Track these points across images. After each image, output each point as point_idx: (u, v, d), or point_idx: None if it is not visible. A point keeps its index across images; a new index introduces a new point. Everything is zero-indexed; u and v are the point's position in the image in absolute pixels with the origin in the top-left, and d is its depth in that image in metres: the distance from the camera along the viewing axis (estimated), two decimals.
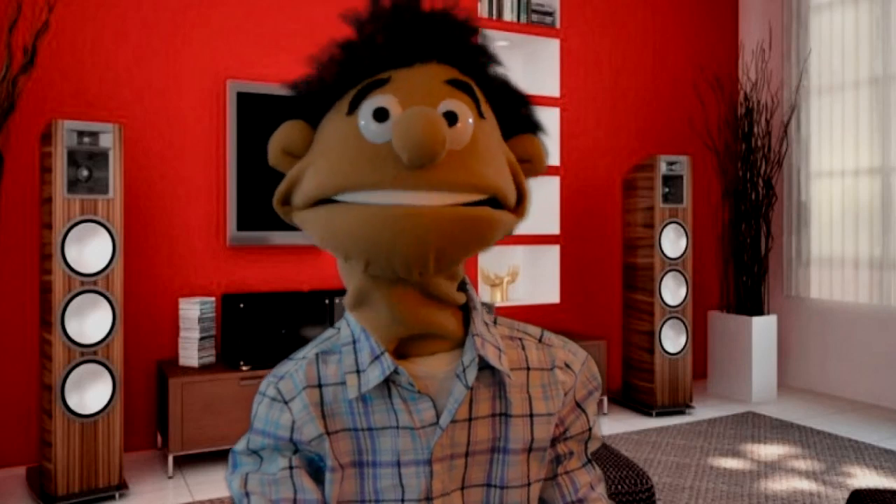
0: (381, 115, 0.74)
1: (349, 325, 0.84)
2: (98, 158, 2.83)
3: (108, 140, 2.83)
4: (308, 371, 0.82)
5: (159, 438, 3.42)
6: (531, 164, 0.85)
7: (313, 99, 0.82)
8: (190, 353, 3.27)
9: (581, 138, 4.59)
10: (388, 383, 0.80)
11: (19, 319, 3.20)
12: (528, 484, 0.85)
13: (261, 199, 3.58)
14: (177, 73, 3.52)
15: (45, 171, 2.84)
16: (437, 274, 0.79)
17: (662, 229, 4.10)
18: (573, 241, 4.57)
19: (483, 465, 0.83)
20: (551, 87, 4.39)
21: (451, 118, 0.76)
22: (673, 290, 4.14)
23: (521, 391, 0.85)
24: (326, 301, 3.66)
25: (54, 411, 2.72)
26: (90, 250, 2.82)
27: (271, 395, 0.82)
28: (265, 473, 0.80)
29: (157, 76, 3.48)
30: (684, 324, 4.14)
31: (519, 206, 0.83)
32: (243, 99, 3.53)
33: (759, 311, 4.58)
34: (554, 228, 4.34)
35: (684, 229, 4.14)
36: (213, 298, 3.38)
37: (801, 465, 3.25)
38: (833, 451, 3.46)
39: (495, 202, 0.79)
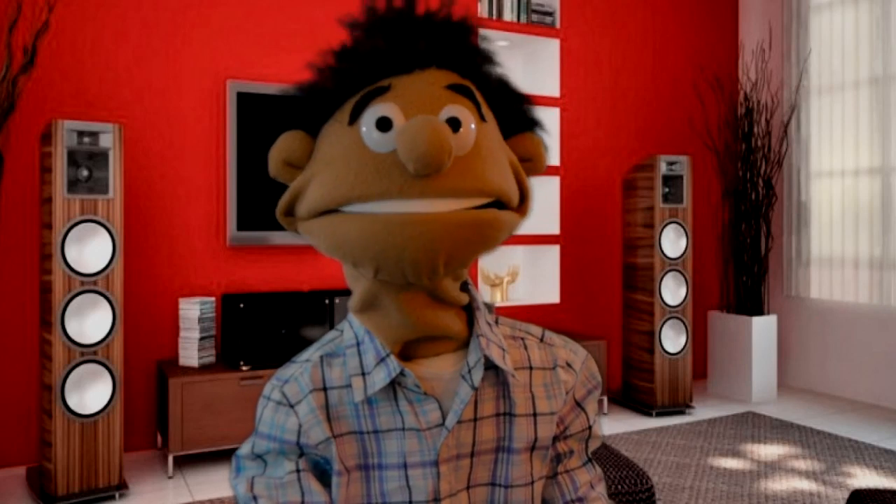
0: (383, 124, 0.74)
1: (352, 327, 0.84)
2: (98, 158, 2.83)
3: (108, 140, 2.83)
4: (313, 374, 0.82)
5: (159, 438, 3.42)
6: (532, 163, 0.86)
7: (312, 108, 0.81)
8: (190, 353, 3.28)
9: (581, 138, 4.59)
10: (393, 385, 0.80)
11: (19, 319, 3.21)
12: (532, 482, 0.85)
13: (261, 199, 3.58)
14: (177, 73, 3.52)
15: (45, 171, 2.84)
16: (445, 277, 0.80)
17: (662, 229, 4.10)
18: (573, 241, 4.57)
19: (488, 465, 0.83)
20: (551, 87, 4.39)
21: (454, 124, 0.76)
22: (673, 290, 4.14)
23: (524, 391, 0.85)
24: (326, 301, 3.66)
25: (54, 411, 2.72)
26: (90, 250, 2.82)
27: (276, 398, 0.82)
28: (271, 477, 0.79)
29: (157, 76, 3.48)
30: (684, 324, 4.14)
31: (522, 206, 0.84)
32: (243, 99, 3.53)
33: (759, 311, 4.58)
34: (554, 228, 4.34)
35: (684, 229, 4.14)
36: (213, 298, 3.38)
37: (801, 465, 3.25)
38: (833, 451, 3.46)
39: (500, 204, 0.79)
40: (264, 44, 3.70)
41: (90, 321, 2.81)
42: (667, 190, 4.14)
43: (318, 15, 3.84)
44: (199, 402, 3.08)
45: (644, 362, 4.16)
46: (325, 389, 0.81)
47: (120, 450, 2.84)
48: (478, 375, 0.80)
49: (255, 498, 0.79)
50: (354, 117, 0.77)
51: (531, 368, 0.87)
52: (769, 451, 3.45)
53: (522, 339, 0.90)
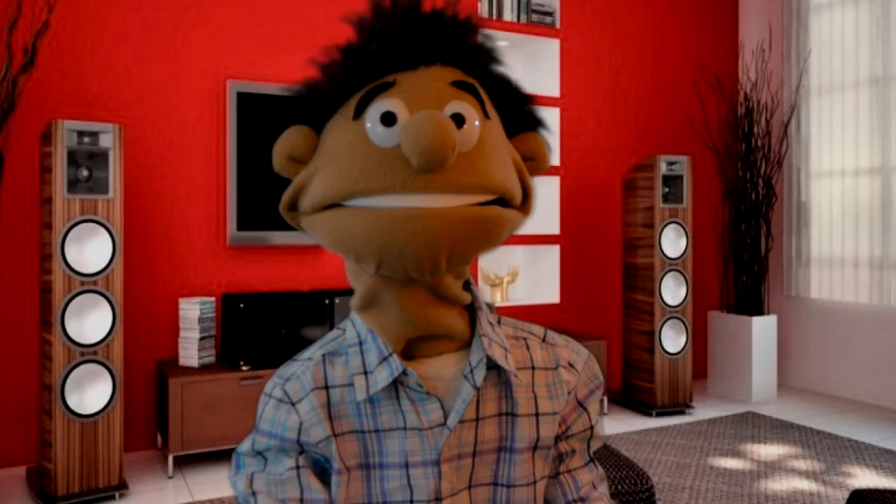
0: (388, 119, 0.74)
1: (355, 326, 0.84)
2: (98, 158, 2.83)
3: (108, 140, 2.83)
4: (315, 372, 0.82)
5: (159, 438, 3.42)
6: (535, 162, 0.86)
7: (317, 103, 0.81)
8: (190, 353, 3.27)
9: (581, 138, 4.59)
10: (395, 384, 0.80)
11: (19, 319, 3.20)
12: (535, 482, 0.86)
13: (261, 199, 3.58)
14: (177, 73, 3.52)
15: (45, 171, 2.84)
16: (447, 273, 0.80)
17: (662, 229, 4.10)
18: (573, 241, 4.57)
19: (490, 465, 0.83)
20: (551, 87, 4.39)
21: (459, 120, 0.76)
22: (673, 290, 4.14)
23: (526, 390, 0.86)
24: (326, 301, 3.66)
25: (54, 411, 2.72)
26: (90, 250, 2.82)
27: (278, 396, 0.82)
28: (271, 474, 0.80)
29: (157, 76, 3.48)
30: (684, 324, 4.14)
31: (525, 204, 0.84)
32: (243, 99, 3.53)
33: (759, 311, 4.58)
34: (554, 228, 4.34)
35: (684, 229, 4.14)
36: (213, 298, 3.38)
37: (801, 465, 3.25)
38: (833, 451, 3.46)
39: (502, 202, 0.79)
40: (264, 44, 3.70)
41: (90, 321, 2.81)
42: (667, 190, 4.14)
43: (318, 15, 3.84)
44: (199, 402, 3.08)
45: (644, 362, 4.16)
46: (326, 388, 0.81)
47: (120, 450, 2.84)
48: (480, 375, 0.80)
49: (254, 494, 0.79)
50: (359, 112, 0.77)
51: (534, 368, 0.87)
52: (769, 451, 3.45)
53: (525, 339, 0.90)
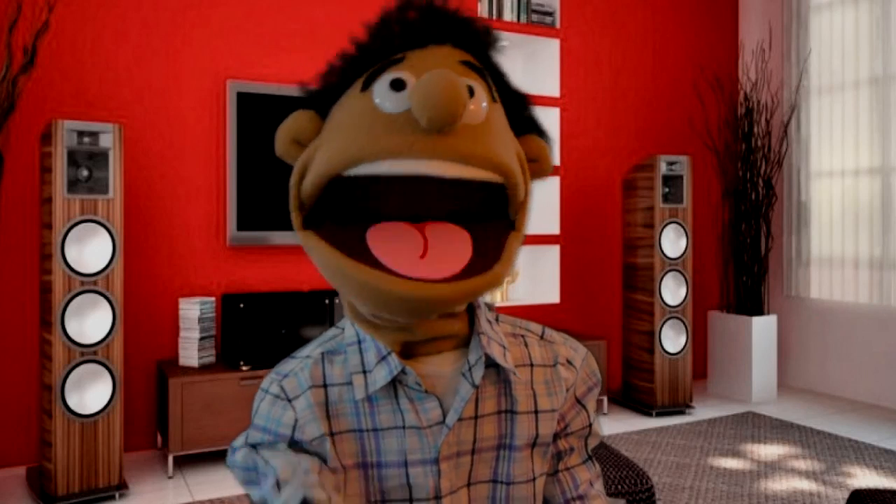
0: (397, 84, 0.74)
1: (354, 325, 0.84)
2: (98, 158, 2.83)
3: (108, 140, 2.83)
4: (314, 371, 0.82)
5: (159, 438, 3.42)
6: (538, 164, 0.85)
7: (326, 90, 0.81)
8: (190, 353, 3.27)
9: (581, 138, 4.59)
10: (394, 383, 0.80)
11: (19, 319, 3.20)
12: (534, 479, 0.86)
13: (261, 199, 3.58)
14: (177, 73, 3.52)
15: (45, 171, 2.84)
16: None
17: (662, 229, 4.10)
18: (573, 241, 4.57)
19: (489, 462, 0.83)
20: (551, 87, 4.39)
21: (469, 91, 0.75)
22: (673, 290, 4.14)
23: (525, 388, 0.86)
24: (326, 301, 3.66)
25: (54, 411, 2.72)
26: (90, 250, 2.82)
27: (274, 392, 0.82)
28: (273, 455, 0.80)
29: (157, 76, 3.48)
30: (684, 324, 4.14)
31: (521, 210, 0.82)
32: (243, 99, 3.53)
33: (759, 311, 4.58)
34: (554, 228, 4.34)
35: (684, 229, 4.14)
36: (213, 298, 3.38)
37: (801, 465, 3.25)
38: (833, 451, 3.46)
39: (502, 194, 0.77)
40: (264, 44, 3.70)
41: (90, 321, 2.81)
42: (667, 190, 4.14)
43: (318, 15, 3.84)
44: (199, 402, 3.08)
45: (644, 362, 4.16)
46: (325, 386, 0.81)
47: (120, 450, 2.84)
48: (478, 373, 0.80)
49: (257, 453, 0.79)
50: (368, 84, 0.76)
51: (532, 366, 0.88)
52: (769, 451, 3.45)
53: (523, 336, 0.90)
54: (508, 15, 4.26)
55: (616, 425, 3.90)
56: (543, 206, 4.43)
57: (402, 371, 0.79)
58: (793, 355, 4.88)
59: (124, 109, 3.41)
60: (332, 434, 0.79)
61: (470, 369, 0.80)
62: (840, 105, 4.55)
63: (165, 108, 3.50)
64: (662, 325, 4.09)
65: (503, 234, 0.79)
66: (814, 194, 4.71)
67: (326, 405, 0.80)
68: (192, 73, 3.55)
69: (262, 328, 3.52)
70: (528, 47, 4.53)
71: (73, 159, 2.78)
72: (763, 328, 4.43)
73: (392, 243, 0.73)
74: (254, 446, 0.81)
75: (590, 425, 0.92)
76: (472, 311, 0.86)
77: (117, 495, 2.83)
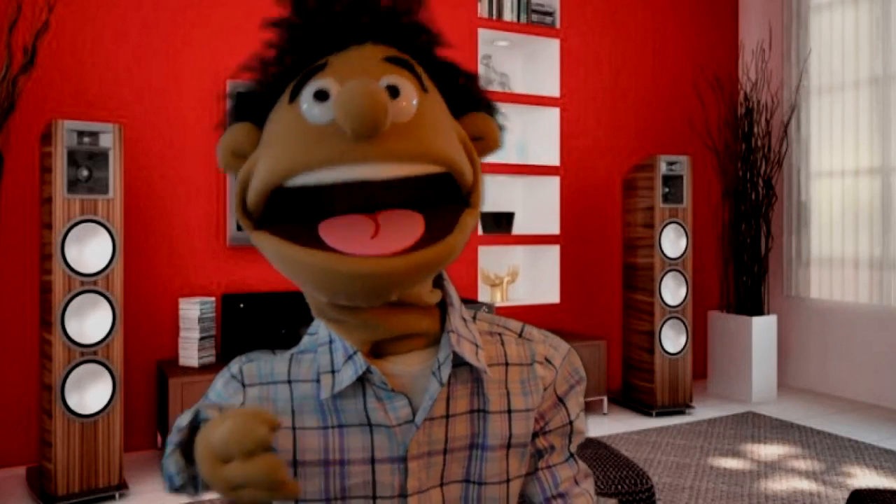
0: (321, 95, 0.74)
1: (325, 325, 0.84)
2: (98, 158, 2.83)
3: (108, 140, 2.83)
4: (278, 366, 0.83)
5: (159, 438, 3.42)
6: (484, 142, 0.84)
7: (256, 100, 0.81)
8: (190, 353, 3.28)
9: (581, 138, 4.59)
10: (362, 382, 0.80)
11: (19, 319, 3.21)
12: (508, 480, 0.85)
13: None
14: (177, 73, 3.52)
15: (45, 171, 2.84)
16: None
17: (662, 229, 4.10)
18: (573, 241, 4.57)
19: (461, 462, 0.83)
20: (551, 87, 4.39)
21: (393, 91, 0.75)
22: (673, 290, 4.14)
23: (499, 387, 0.85)
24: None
25: (54, 411, 2.72)
26: (90, 250, 2.82)
27: (233, 372, 0.83)
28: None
29: (157, 76, 3.48)
30: (684, 324, 4.14)
31: (473, 194, 0.81)
32: None
33: (759, 311, 4.58)
34: (554, 228, 4.34)
35: (684, 229, 4.14)
36: (213, 298, 3.38)
37: (801, 465, 3.25)
38: (833, 451, 3.46)
39: (450, 178, 0.77)
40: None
41: (90, 321, 2.81)
42: (667, 190, 4.14)
43: None
44: None
45: (644, 362, 4.16)
46: (289, 382, 0.82)
47: (120, 450, 2.84)
48: (446, 372, 0.80)
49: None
50: (294, 95, 0.77)
51: (507, 364, 0.87)
52: (769, 451, 3.45)
53: (500, 334, 0.89)
54: (508, 15, 4.26)
55: (616, 425, 3.90)
56: (543, 206, 4.43)
57: (368, 370, 0.79)
58: (793, 355, 4.88)
59: (124, 109, 3.41)
60: (294, 429, 0.80)
61: (439, 367, 0.80)
62: (840, 105, 4.55)
63: (165, 108, 3.50)
64: (662, 325, 4.09)
65: (458, 212, 0.78)
66: (814, 194, 4.71)
67: (291, 401, 0.81)
68: (192, 73, 3.55)
69: (262, 328, 3.52)
70: (528, 47, 4.53)
71: (73, 159, 2.78)
72: (763, 328, 4.43)
73: (343, 230, 0.74)
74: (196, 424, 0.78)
75: (570, 423, 0.90)
76: (444, 310, 0.85)
77: (117, 495, 2.83)
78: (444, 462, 0.82)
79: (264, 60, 0.82)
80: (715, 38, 5.13)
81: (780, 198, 4.95)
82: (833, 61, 4.60)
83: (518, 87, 4.57)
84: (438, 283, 0.86)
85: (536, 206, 4.48)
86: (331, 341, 0.82)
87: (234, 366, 0.84)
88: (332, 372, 0.80)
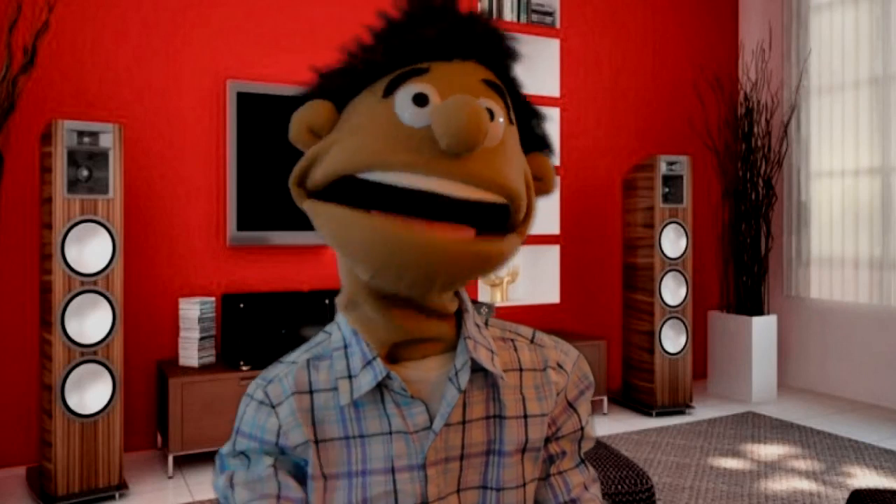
0: (420, 100, 0.74)
1: (340, 328, 0.83)
2: (98, 158, 2.83)
3: (108, 140, 2.83)
4: (298, 376, 0.82)
5: (159, 438, 3.42)
6: (542, 183, 0.86)
7: (345, 82, 0.81)
8: (190, 353, 3.27)
9: (581, 138, 4.59)
10: (380, 388, 0.80)
11: (19, 319, 3.21)
12: (524, 484, 0.85)
13: (261, 199, 3.58)
14: (177, 73, 3.52)
15: (45, 171, 2.84)
16: (438, 296, 0.80)
17: (662, 229, 4.10)
18: (573, 241, 4.57)
19: (478, 468, 0.83)
20: (551, 87, 4.39)
21: (490, 115, 0.76)
22: (673, 290, 4.14)
23: (514, 392, 0.85)
24: (326, 301, 3.66)
25: (54, 411, 2.72)
26: (90, 250, 2.82)
27: (259, 398, 0.81)
28: (251, 472, 0.79)
29: (157, 76, 3.48)
30: (684, 324, 4.14)
31: (524, 223, 0.83)
32: (243, 99, 3.53)
33: (759, 311, 4.58)
34: (554, 228, 4.34)
35: (684, 229, 4.14)
36: (213, 298, 3.38)
37: (801, 465, 3.25)
38: (833, 451, 3.46)
39: (506, 211, 0.78)
40: (264, 44, 3.70)
41: (90, 321, 2.81)
42: (667, 190, 4.14)
43: (318, 15, 3.84)
44: (199, 402, 3.08)
45: (644, 362, 4.16)
46: (311, 392, 0.81)
47: (120, 450, 2.84)
48: (464, 378, 0.80)
49: (232, 486, 0.79)
50: (389, 91, 0.76)
51: (521, 370, 0.87)
52: (769, 451, 3.45)
53: (512, 340, 0.89)
54: (508, 15, 4.26)
55: (616, 425, 3.90)
56: (543, 206, 4.43)
57: (387, 376, 0.78)
58: (793, 355, 4.88)
59: (124, 109, 3.41)
60: (317, 442, 0.79)
61: (456, 374, 0.80)
62: (840, 105, 4.55)
63: (165, 108, 3.50)
64: (662, 325, 4.09)
65: (504, 235, 0.80)
66: (814, 194, 4.71)
67: (312, 411, 0.80)
68: (192, 73, 3.55)
69: (262, 328, 3.52)
70: (528, 47, 4.53)
71: (73, 159, 2.78)
72: (763, 328, 4.43)
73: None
74: (242, 453, 0.81)
75: (581, 429, 0.91)
76: (459, 316, 0.86)
77: (117, 495, 2.83)
78: (461, 468, 0.82)
79: (365, 46, 0.81)
80: (715, 38, 5.13)
81: (780, 198, 4.95)
82: (833, 61, 4.59)
83: None
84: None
85: (536, 206, 4.48)
86: (346, 345, 0.81)
87: (258, 391, 0.82)
88: (350, 377, 0.79)
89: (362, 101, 0.79)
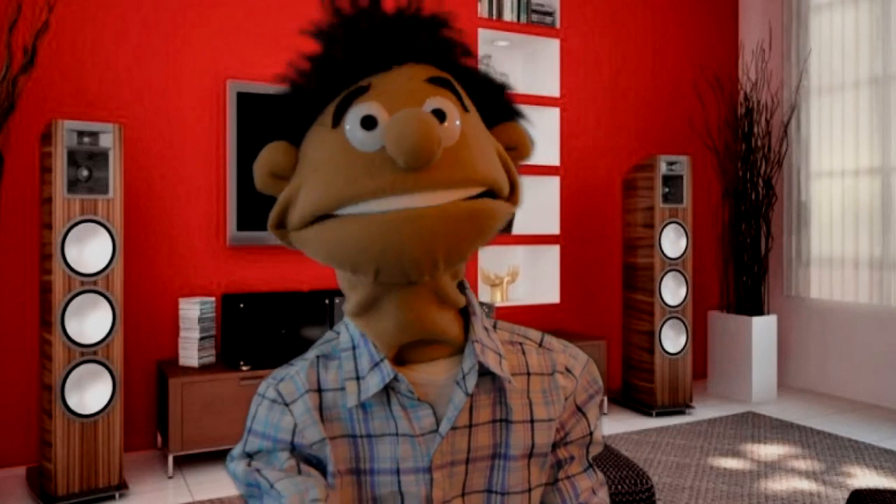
0: (368, 122, 0.73)
1: (349, 329, 0.83)
2: (98, 158, 2.83)
3: (108, 140, 2.83)
4: (309, 374, 0.81)
5: (159, 438, 3.42)
6: (517, 151, 0.85)
7: (292, 116, 0.80)
8: (190, 353, 3.27)
9: (581, 138, 4.59)
10: (387, 390, 0.80)
11: (19, 319, 3.21)
12: (529, 489, 0.85)
13: (261, 199, 3.57)
14: (177, 73, 3.52)
15: (45, 171, 2.84)
16: (445, 272, 0.79)
17: (662, 229, 4.10)
18: (573, 241, 4.57)
19: (484, 472, 0.82)
20: (551, 87, 4.39)
21: (440, 116, 0.75)
22: (673, 290, 4.14)
23: (521, 397, 0.84)
24: (326, 301, 3.66)
25: (54, 411, 2.72)
26: (90, 250, 2.82)
27: (271, 396, 0.81)
28: (270, 462, 0.79)
29: (157, 76, 3.48)
30: (684, 324, 4.14)
31: (512, 195, 0.83)
32: (243, 99, 3.53)
33: (759, 311, 4.58)
34: (554, 228, 4.34)
35: (684, 229, 4.14)
36: (213, 298, 3.38)
37: (801, 465, 3.25)
38: (833, 451, 3.46)
39: (491, 194, 0.78)
40: (264, 44, 3.70)
41: (90, 321, 2.81)
42: (667, 190, 4.14)
43: (317, 15, 3.84)
44: (199, 402, 3.08)
45: (644, 362, 4.16)
46: (320, 391, 0.80)
47: (120, 450, 2.84)
48: (472, 382, 0.79)
49: (257, 470, 0.78)
50: (337, 120, 0.76)
51: (529, 374, 0.86)
52: (769, 451, 3.45)
53: (521, 343, 0.89)
54: (508, 15, 4.26)
55: (616, 425, 3.90)
56: (543, 206, 4.43)
57: (395, 378, 0.78)
58: (793, 355, 4.88)
59: (124, 109, 3.41)
60: (327, 439, 0.79)
61: (464, 377, 0.79)
62: (840, 105, 4.55)
63: (165, 108, 3.50)
64: (662, 325, 4.09)
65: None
66: (814, 194, 4.71)
67: (321, 410, 0.80)
68: (192, 73, 3.55)
69: (262, 328, 3.52)
70: (528, 47, 4.53)
71: (73, 159, 2.78)
72: (763, 328, 4.43)
73: None
74: (251, 455, 0.80)
75: (590, 433, 0.90)
76: (468, 318, 0.85)
77: (117, 495, 2.83)
78: (466, 472, 0.81)
79: (302, 75, 0.80)
80: (715, 38, 5.13)
81: (780, 198, 4.95)
82: (833, 61, 4.59)
83: (518, 88, 4.57)
84: (461, 290, 0.86)
85: (536, 205, 4.48)
86: (354, 347, 0.81)
87: (269, 390, 0.81)
88: (357, 378, 0.79)
89: (316, 134, 0.78)
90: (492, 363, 0.81)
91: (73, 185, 2.77)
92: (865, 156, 4.41)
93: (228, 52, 3.62)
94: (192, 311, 3.29)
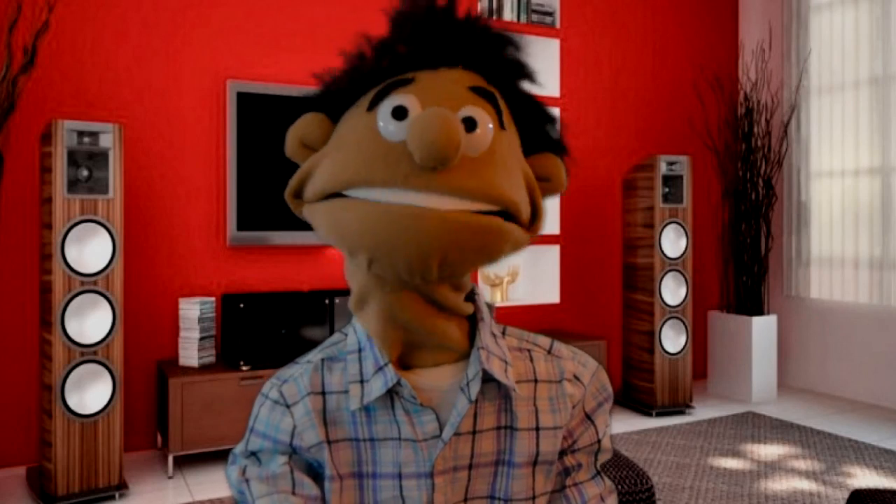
0: (399, 113, 0.74)
1: (356, 332, 0.83)
2: (98, 158, 2.83)
3: (108, 140, 2.83)
4: (313, 377, 0.82)
5: (159, 438, 3.42)
6: (550, 183, 0.84)
7: (337, 94, 0.81)
8: (190, 353, 3.28)
9: (581, 138, 4.59)
10: (391, 394, 0.80)
11: (19, 319, 3.21)
12: (533, 497, 0.84)
13: (261, 199, 3.58)
14: (177, 73, 3.52)
15: (45, 171, 2.84)
16: (440, 281, 0.78)
17: (662, 229, 4.10)
18: (573, 241, 4.57)
19: (487, 478, 0.82)
20: (551, 87, 4.39)
21: (470, 124, 0.75)
22: (673, 290, 4.14)
23: (527, 404, 0.84)
24: (326, 301, 3.66)
25: (54, 411, 2.72)
26: (90, 250, 2.82)
27: (274, 397, 0.81)
28: (265, 469, 0.79)
29: (157, 76, 3.48)
30: (684, 324, 4.14)
31: (533, 224, 0.82)
32: (243, 99, 3.53)
33: (759, 311, 4.58)
34: (554, 228, 4.34)
35: (684, 229, 4.14)
36: (213, 298, 3.38)
37: (801, 465, 3.25)
38: (833, 451, 3.46)
39: (507, 215, 0.77)
40: (264, 44, 3.70)
41: (90, 321, 2.81)
42: (667, 190, 4.14)
43: (318, 15, 3.84)
44: (199, 402, 3.08)
45: (644, 362, 4.16)
46: (323, 394, 0.81)
47: (120, 450, 2.84)
48: (475, 388, 0.79)
49: (247, 481, 0.79)
50: (373, 105, 0.76)
51: (536, 381, 0.86)
52: (769, 451, 3.45)
53: (529, 350, 0.88)
54: (508, 15, 4.26)
55: (616, 425, 3.90)
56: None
57: (398, 383, 0.78)
58: (793, 355, 4.88)
59: (124, 109, 3.41)
60: (329, 442, 0.79)
61: (468, 384, 0.79)
62: (840, 105, 4.55)
63: (165, 108, 3.50)
64: (662, 325, 4.09)
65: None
66: (814, 194, 4.71)
67: (324, 412, 0.80)
68: (192, 73, 3.55)
69: (262, 328, 3.52)
70: (528, 47, 4.53)
71: (73, 159, 2.78)
72: (763, 328, 4.43)
73: None
74: (253, 454, 0.81)
75: (598, 441, 0.89)
76: (475, 324, 0.85)
77: (117, 495, 2.83)
78: (469, 478, 0.81)
79: (357, 57, 0.81)
80: (715, 38, 5.13)
81: (780, 198, 4.95)
82: (833, 61, 4.59)
83: None
84: (470, 297, 0.86)
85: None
86: (360, 349, 0.81)
87: (272, 391, 0.82)
88: (361, 382, 0.79)
89: (352, 114, 0.79)
90: (497, 371, 0.80)
91: (73, 185, 2.77)
92: (865, 156, 4.41)
93: (228, 52, 3.62)
94: (192, 311, 3.29)
